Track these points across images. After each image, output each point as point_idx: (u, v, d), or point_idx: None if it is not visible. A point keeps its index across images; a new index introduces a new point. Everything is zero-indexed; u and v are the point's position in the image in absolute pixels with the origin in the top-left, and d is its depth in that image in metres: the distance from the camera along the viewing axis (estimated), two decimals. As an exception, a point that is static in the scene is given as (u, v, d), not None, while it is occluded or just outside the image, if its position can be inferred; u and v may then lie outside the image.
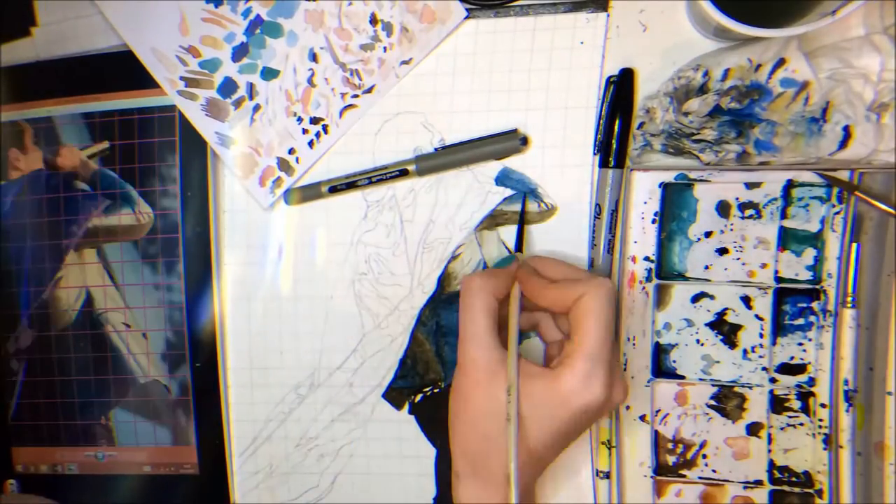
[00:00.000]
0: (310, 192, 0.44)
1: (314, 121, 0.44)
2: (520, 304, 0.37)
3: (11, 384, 0.48)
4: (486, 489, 0.36)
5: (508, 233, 0.44)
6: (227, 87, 0.44)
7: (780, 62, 0.37)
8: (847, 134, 0.38)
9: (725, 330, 0.43)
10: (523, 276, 0.38)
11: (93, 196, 0.46)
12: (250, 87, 0.44)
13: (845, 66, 0.38)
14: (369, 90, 0.43)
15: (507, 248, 0.44)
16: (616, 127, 0.41)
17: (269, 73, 0.44)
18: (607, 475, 0.43)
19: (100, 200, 0.46)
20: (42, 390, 0.48)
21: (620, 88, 0.41)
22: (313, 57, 0.43)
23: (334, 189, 0.44)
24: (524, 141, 0.42)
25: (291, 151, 0.44)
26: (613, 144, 0.41)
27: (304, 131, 0.44)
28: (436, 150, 0.43)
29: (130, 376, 0.47)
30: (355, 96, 0.43)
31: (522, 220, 0.43)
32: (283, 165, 0.44)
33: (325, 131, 0.44)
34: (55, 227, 0.47)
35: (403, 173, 0.43)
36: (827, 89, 0.38)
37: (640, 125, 0.41)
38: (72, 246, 0.47)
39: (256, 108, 0.44)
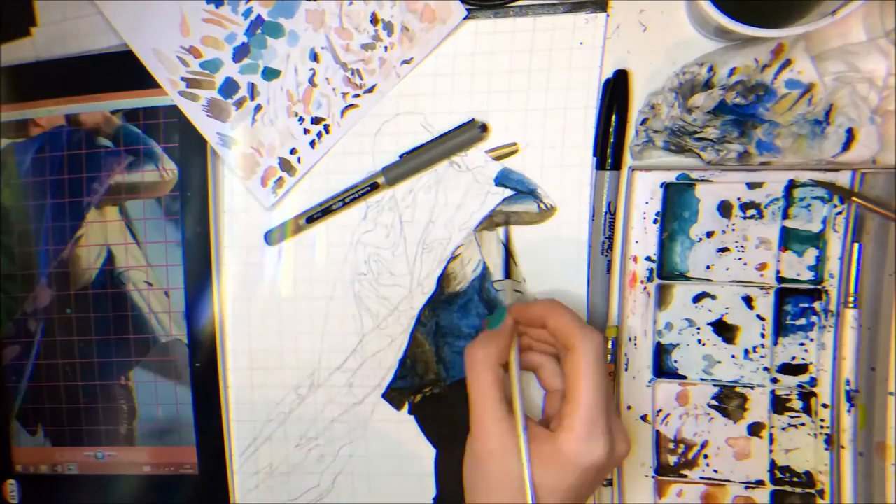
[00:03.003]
0: (289, 228, 0.45)
1: (316, 121, 0.44)
2: (518, 370, 0.38)
3: (28, 345, 0.47)
4: None
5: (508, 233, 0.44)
6: (229, 87, 0.44)
7: (787, 63, 0.37)
8: (850, 136, 0.37)
9: (727, 330, 0.42)
10: (518, 315, 0.39)
11: (115, 152, 0.45)
12: (251, 87, 0.44)
13: (851, 69, 0.38)
14: (370, 90, 0.43)
15: (507, 250, 0.44)
16: (611, 129, 0.41)
17: (270, 74, 0.44)
18: (610, 482, 0.43)
19: (123, 157, 0.45)
20: (60, 351, 0.47)
21: (615, 90, 0.41)
22: (314, 57, 0.43)
23: (312, 219, 0.44)
24: (483, 128, 0.42)
25: (293, 151, 0.44)
26: (609, 147, 0.41)
27: (306, 131, 0.44)
28: (401, 157, 0.43)
29: (151, 336, 0.46)
30: (356, 96, 0.43)
31: (508, 251, 0.43)
32: (285, 165, 0.44)
33: (327, 131, 0.44)
34: (76, 184, 0.46)
35: (374, 187, 0.43)
36: (831, 91, 0.38)
37: (644, 121, 0.41)
38: (93, 203, 0.46)
39: (258, 108, 0.44)
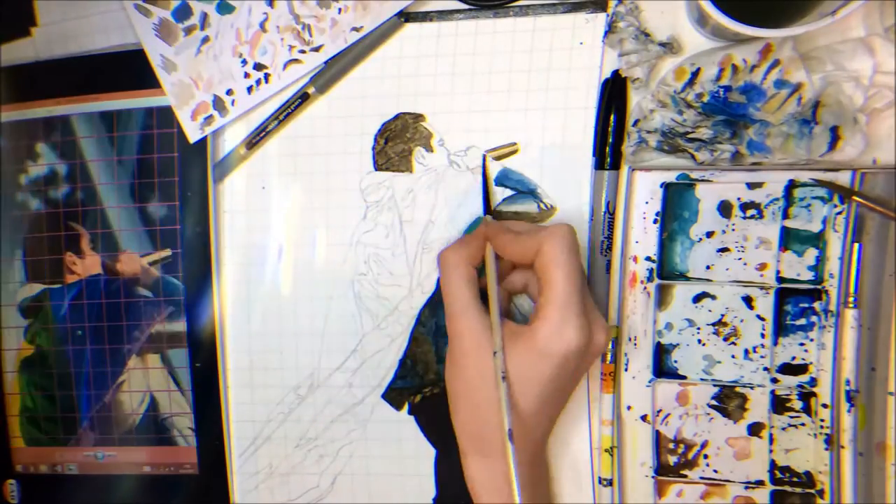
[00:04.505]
0: (234, 160, 0.45)
1: (258, 66, 0.43)
2: (496, 266, 0.39)
3: None
4: (491, 464, 0.37)
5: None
6: (183, 11, 0.43)
7: (775, 63, 0.37)
8: (836, 136, 0.38)
9: (727, 330, 0.42)
10: (492, 232, 0.39)
11: (155, 303, 0.46)
12: (204, 16, 0.43)
13: (837, 68, 0.38)
14: (317, 49, 0.43)
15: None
16: (610, 129, 0.41)
17: (224, 8, 0.43)
18: (610, 482, 0.43)
19: (162, 307, 0.46)
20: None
21: (613, 91, 0.41)
22: (270, 2, 0.43)
23: (252, 144, 0.44)
24: (406, 18, 0.42)
25: (229, 92, 0.44)
26: (607, 146, 0.41)
27: (246, 75, 0.43)
28: (325, 63, 0.43)
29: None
30: (302, 52, 0.43)
31: (486, 183, 0.43)
32: (218, 104, 0.44)
33: (267, 80, 0.43)
34: (116, 331, 0.46)
35: (305, 98, 0.43)
36: (819, 91, 0.38)
37: (636, 122, 0.41)
38: (134, 350, 0.46)
39: (205, 39, 0.43)
